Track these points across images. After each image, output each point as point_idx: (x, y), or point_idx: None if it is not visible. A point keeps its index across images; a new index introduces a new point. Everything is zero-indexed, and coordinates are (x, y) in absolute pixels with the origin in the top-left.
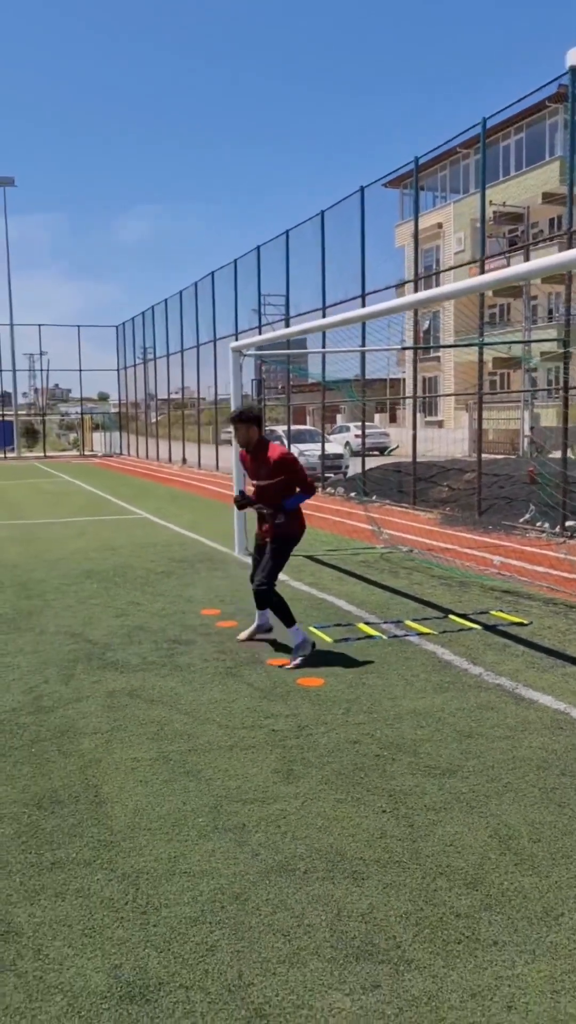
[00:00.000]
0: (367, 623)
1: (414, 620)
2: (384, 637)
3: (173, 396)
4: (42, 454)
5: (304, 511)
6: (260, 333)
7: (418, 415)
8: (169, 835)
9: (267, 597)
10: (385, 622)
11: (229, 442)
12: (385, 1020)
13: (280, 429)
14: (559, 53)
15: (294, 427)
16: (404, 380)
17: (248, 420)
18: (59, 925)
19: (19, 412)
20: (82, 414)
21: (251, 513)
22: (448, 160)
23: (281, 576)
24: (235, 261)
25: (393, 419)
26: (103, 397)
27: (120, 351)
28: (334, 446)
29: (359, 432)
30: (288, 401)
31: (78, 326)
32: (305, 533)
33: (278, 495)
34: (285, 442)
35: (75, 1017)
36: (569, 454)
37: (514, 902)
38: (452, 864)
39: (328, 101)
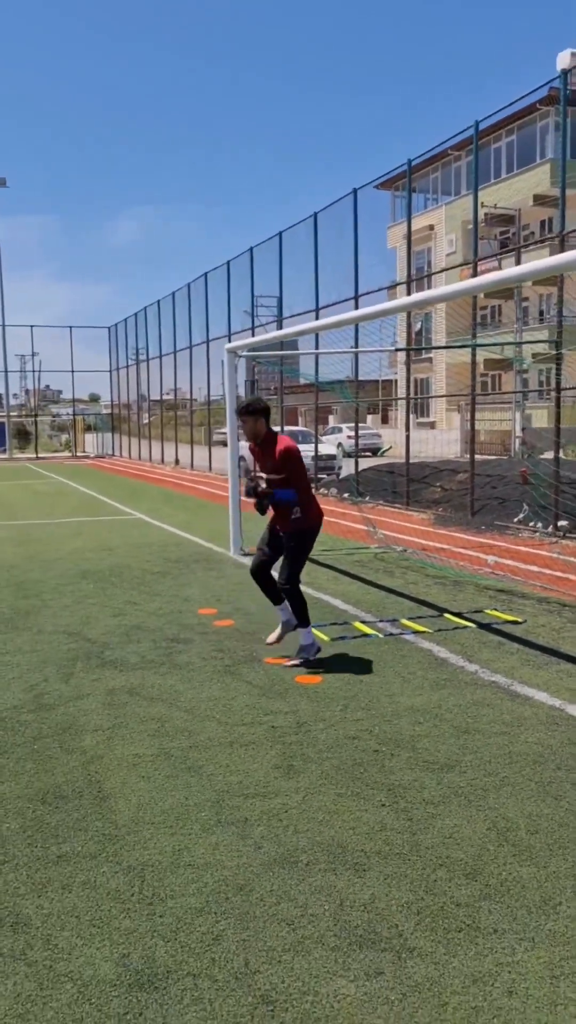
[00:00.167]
0: (363, 622)
1: (409, 619)
2: (380, 635)
3: (165, 397)
4: (34, 455)
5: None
6: (253, 334)
7: (410, 416)
8: (173, 829)
9: (291, 597)
10: (381, 621)
11: (222, 443)
12: (389, 1005)
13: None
14: (549, 56)
15: (287, 428)
16: (396, 381)
17: (256, 412)
18: (67, 916)
19: (11, 413)
20: (74, 415)
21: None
22: (440, 162)
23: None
24: (228, 263)
25: (385, 420)
26: (94, 398)
27: (112, 352)
28: (327, 447)
29: (352, 433)
30: (281, 402)
31: (70, 327)
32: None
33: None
34: None
35: (85, 1004)
36: (561, 455)
37: (513, 892)
38: (451, 855)
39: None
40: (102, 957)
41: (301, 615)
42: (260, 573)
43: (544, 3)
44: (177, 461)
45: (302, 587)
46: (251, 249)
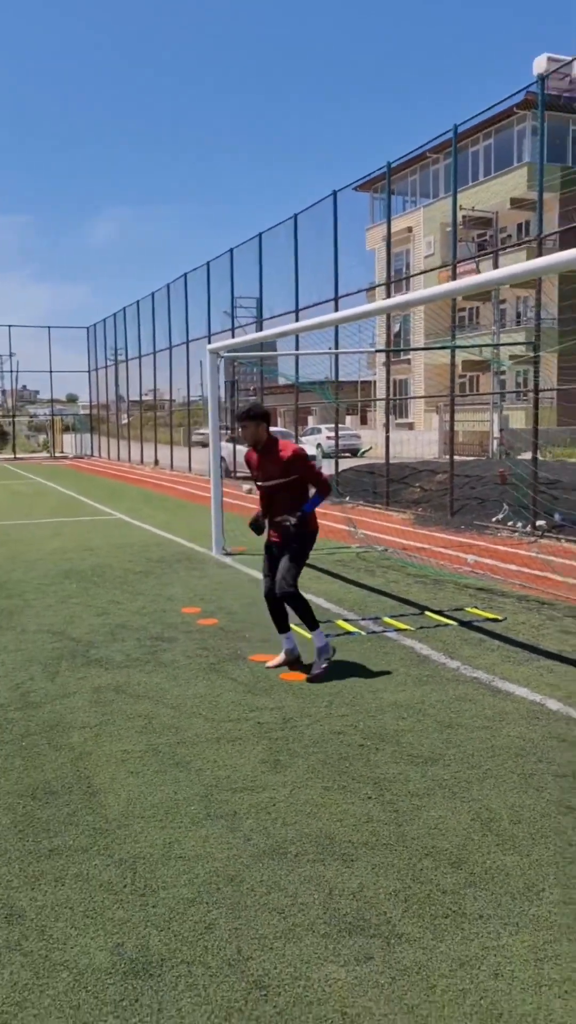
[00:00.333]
0: (346, 620)
1: (391, 617)
2: (363, 633)
3: (144, 398)
4: (12, 456)
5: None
6: (233, 335)
7: (389, 417)
8: (163, 822)
9: (293, 600)
10: (363, 619)
11: (201, 444)
12: (379, 989)
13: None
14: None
15: None
16: (375, 382)
17: (257, 417)
18: (61, 908)
19: None
20: (52, 415)
21: (238, 511)
22: (418, 165)
23: (260, 576)
24: (208, 264)
25: (364, 421)
26: (72, 399)
27: (91, 353)
28: (307, 448)
29: (331, 434)
30: (262, 402)
31: (48, 327)
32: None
33: (291, 496)
34: None
35: (81, 992)
36: (539, 455)
37: (497, 879)
38: (437, 845)
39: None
40: (97, 946)
41: (308, 618)
42: (272, 595)
43: (521, 8)
44: (156, 462)
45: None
46: (231, 250)
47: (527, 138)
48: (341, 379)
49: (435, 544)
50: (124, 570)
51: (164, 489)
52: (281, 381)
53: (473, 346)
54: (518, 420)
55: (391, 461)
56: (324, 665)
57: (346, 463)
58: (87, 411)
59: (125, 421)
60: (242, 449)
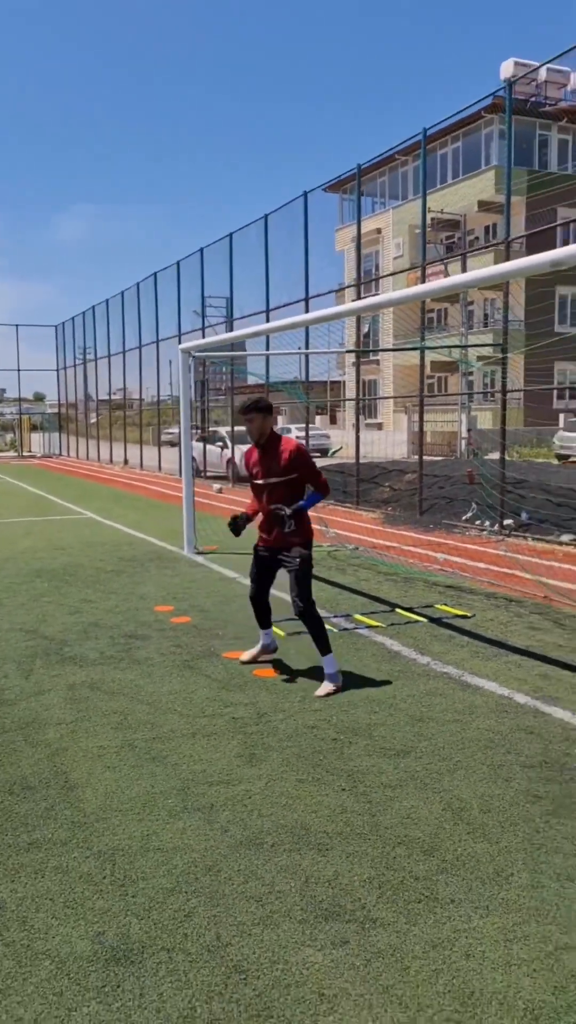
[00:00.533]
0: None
1: (363, 614)
2: (335, 630)
3: (113, 397)
4: None
5: (250, 511)
6: (204, 335)
7: (359, 417)
8: (140, 815)
9: (311, 621)
10: (335, 616)
11: (171, 443)
12: (355, 971)
13: (223, 430)
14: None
15: (237, 428)
16: (344, 382)
17: (263, 410)
18: (41, 899)
19: None
20: (20, 414)
21: (209, 510)
22: (387, 167)
23: (232, 574)
24: (178, 263)
25: (334, 421)
26: (39, 397)
27: (60, 351)
28: None
29: (301, 433)
30: (231, 403)
31: (16, 325)
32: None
33: (289, 494)
34: (229, 443)
35: (64, 979)
36: (506, 455)
37: (468, 865)
38: (409, 834)
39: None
40: (78, 935)
41: (323, 642)
42: (259, 600)
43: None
44: (126, 461)
45: (249, 583)
46: (201, 250)
47: (495, 141)
48: (311, 379)
49: (405, 543)
50: (96, 569)
51: (134, 488)
52: (251, 380)
53: (442, 347)
54: (486, 420)
55: (361, 461)
56: (331, 688)
57: (316, 463)
58: (55, 410)
59: (93, 420)
60: (212, 449)
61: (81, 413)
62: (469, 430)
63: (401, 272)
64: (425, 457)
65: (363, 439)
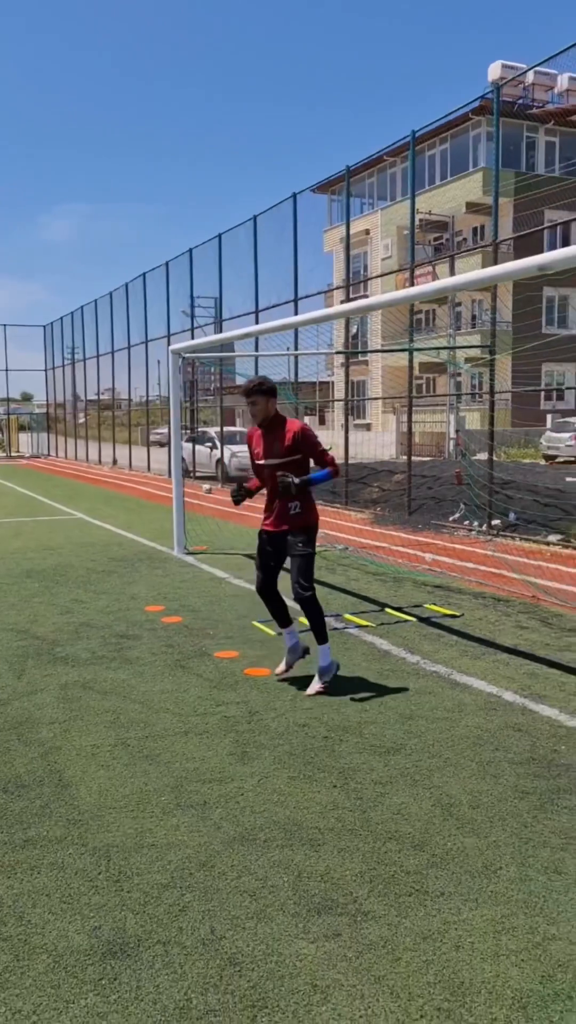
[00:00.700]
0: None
1: (352, 614)
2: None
3: (102, 397)
4: None
5: (241, 511)
6: (192, 335)
7: (348, 418)
8: (135, 813)
9: (310, 606)
10: (325, 616)
11: (159, 443)
12: (347, 962)
13: (212, 431)
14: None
15: (227, 429)
16: (333, 383)
17: (267, 392)
18: (37, 895)
19: None
20: (8, 415)
21: (199, 511)
22: (375, 168)
23: (222, 574)
24: (167, 263)
25: (322, 422)
26: (26, 397)
27: (48, 351)
28: None
29: None
30: (220, 403)
31: (4, 325)
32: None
33: (294, 475)
34: (218, 443)
35: (61, 972)
36: (494, 456)
37: (457, 860)
38: (400, 830)
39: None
40: (74, 930)
41: (321, 629)
42: (267, 590)
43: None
44: (115, 461)
45: (245, 584)
46: (190, 250)
47: (483, 143)
48: (300, 380)
49: (393, 543)
50: (86, 569)
51: (123, 489)
52: (240, 380)
53: (430, 348)
54: (474, 421)
55: (350, 462)
56: (325, 682)
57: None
58: (43, 410)
59: (82, 420)
60: (202, 449)
61: (69, 413)
62: (457, 431)
63: (390, 274)
64: (414, 458)
65: (352, 440)
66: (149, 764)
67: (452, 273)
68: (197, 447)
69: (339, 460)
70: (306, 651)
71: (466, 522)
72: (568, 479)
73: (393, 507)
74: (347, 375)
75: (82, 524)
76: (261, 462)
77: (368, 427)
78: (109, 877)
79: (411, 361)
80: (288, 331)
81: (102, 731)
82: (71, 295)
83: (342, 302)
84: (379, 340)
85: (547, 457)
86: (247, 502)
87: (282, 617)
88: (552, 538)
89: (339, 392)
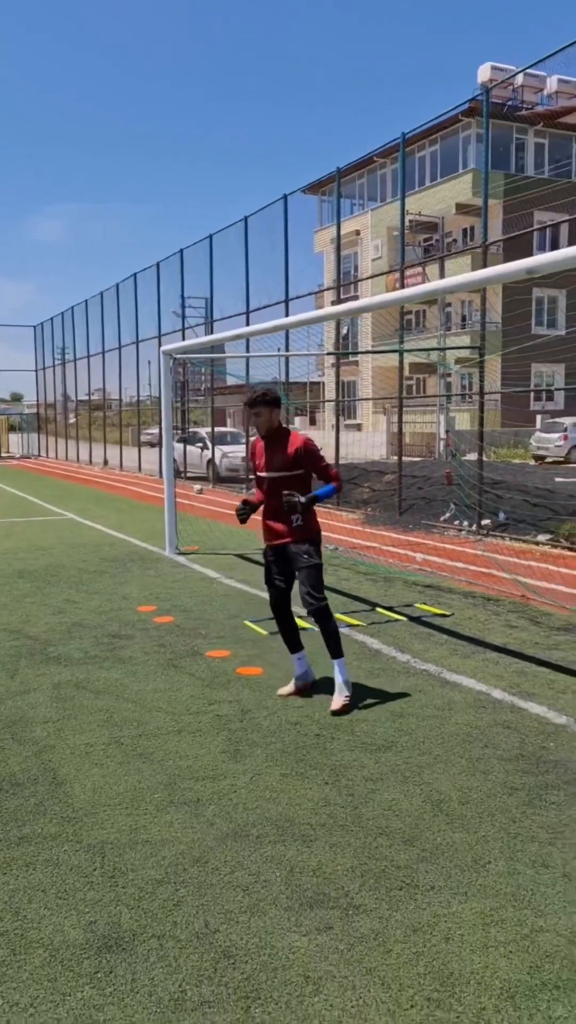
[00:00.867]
0: (298, 616)
1: (343, 613)
2: (315, 629)
3: (92, 397)
4: None
5: (232, 513)
6: (184, 336)
7: (339, 418)
8: (128, 810)
9: (325, 619)
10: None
11: (151, 444)
12: (339, 954)
13: (203, 431)
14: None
15: (218, 429)
16: (324, 383)
17: (271, 403)
18: (33, 891)
19: None
20: None
21: (190, 511)
22: (366, 168)
23: (214, 574)
24: (158, 264)
25: (313, 422)
26: (16, 397)
27: (38, 351)
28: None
29: None
30: (212, 403)
31: None
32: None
33: (296, 489)
34: (209, 443)
35: (57, 965)
36: (483, 456)
37: (447, 854)
38: (391, 825)
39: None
40: (70, 925)
41: (336, 643)
42: (281, 609)
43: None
44: (106, 462)
45: (237, 584)
46: (181, 251)
47: (472, 145)
48: (291, 380)
49: (384, 543)
50: (78, 570)
51: (115, 489)
52: (231, 381)
53: (420, 350)
54: (463, 422)
55: (341, 462)
56: (346, 700)
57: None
58: (33, 410)
59: (72, 421)
60: (193, 450)
61: (60, 414)
62: (447, 431)
63: (380, 275)
64: (404, 458)
65: (343, 440)
66: (142, 762)
67: (442, 274)
68: (188, 447)
69: (329, 460)
70: (313, 682)
71: (456, 522)
72: (557, 479)
73: (384, 507)
74: (338, 375)
75: (73, 524)
76: (263, 474)
77: (359, 427)
78: (104, 873)
79: (401, 362)
80: (279, 332)
81: (95, 730)
82: (62, 295)
83: (333, 303)
84: (369, 341)
85: (537, 457)
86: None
87: (293, 642)
88: (541, 538)
89: (330, 392)
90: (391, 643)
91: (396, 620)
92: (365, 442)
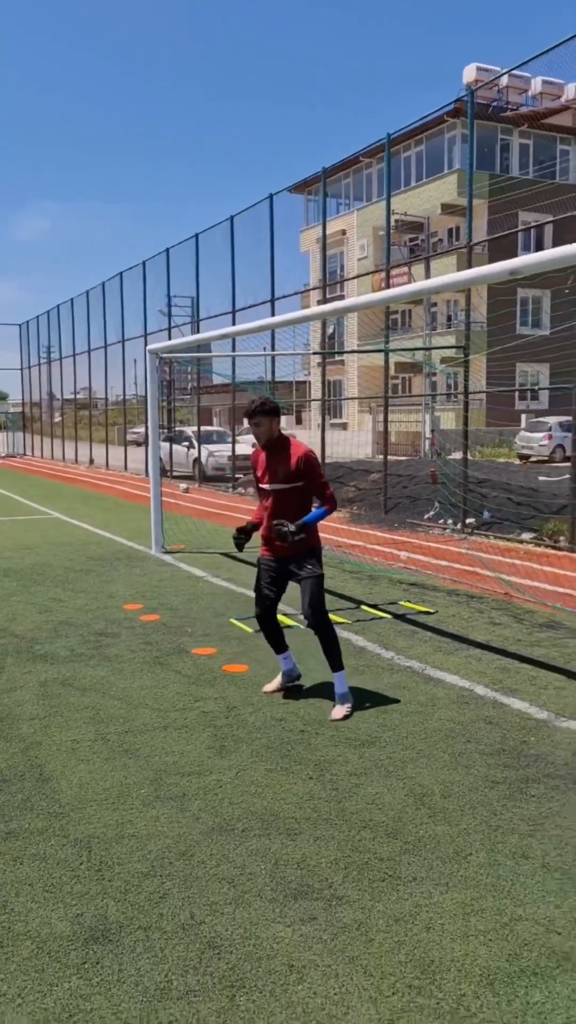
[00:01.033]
0: (284, 614)
1: (328, 611)
2: (301, 627)
3: (78, 396)
4: None
5: (221, 512)
6: (170, 335)
7: (325, 417)
8: (115, 805)
9: (327, 633)
10: (300, 613)
11: (136, 443)
12: (323, 944)
13: (189, 430)
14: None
15: (204, 428)
16: (310, 383)
17: (270, 412)
18: (20, 884)
19: None
20: None
21: (176, 510)
22: (351, 168)
23: (200, 573)
24: (144, 263)
25: (299, 421)
26: (1, 396)
27: (23, 350)
28: (244, 447)
29: None
30: (198, 402)
31: None
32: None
33: (298, 502)
34: (195, 442)
35: (45, 957)
36: (468, 455)
37: (429, 847)
38: (374, 819)
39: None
40: (57, 917)
41: (336, 657)
42: (267, 617)
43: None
44: (92, 461)
45: (223, 582)
46: (167, 250)
47: (457, 145)
48: (277, 379)
49: (369, 541)
50: (64, 568)
51: (101, 488)
52: (217, 380)
53: (406, 349)
54: (449, 421)
55: (326, 461)
56: (346, 711)
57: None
58: (18, 409)
59: (58, 419)
60: (179, 449)
61: (45, 412)
62: (432, 430)
63: (366, 274)
64: (389, 457)
65: (328, 439)
66: (129, 758)
67: (428, 274)
68: (174, 447)
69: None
70: (298, 677)
71: (441, 520)
72: (541, 478)
73: (369, 506)
74: (323, 375)
75: (59, 523)
76: (265, 486)
77: (344, 427)
78: (91, 867)
79: (387, 361)
80: (265, 331)
81: (82, 726)
82: (46, 294)
83: (319, 302)
84: (355, 340)
85: (521, 456)
86: (241, 512)
87: (278, 644)
88: (525, 536)
89: (315, 392)
90: (376, 640)
91: (381, 618)
92: (351, 441)
